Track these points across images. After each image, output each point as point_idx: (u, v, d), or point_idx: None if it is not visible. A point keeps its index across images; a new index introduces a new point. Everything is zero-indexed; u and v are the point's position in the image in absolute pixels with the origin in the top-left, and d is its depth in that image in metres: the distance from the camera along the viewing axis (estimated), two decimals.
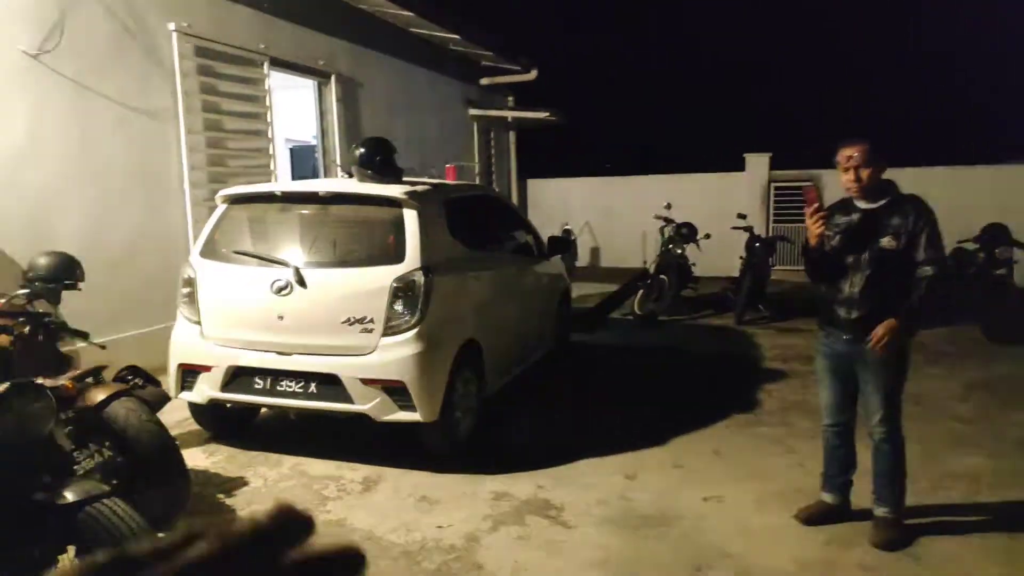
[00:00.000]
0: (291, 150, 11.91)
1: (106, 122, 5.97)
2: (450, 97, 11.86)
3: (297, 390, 4.26)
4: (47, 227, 5.48)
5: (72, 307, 5.37)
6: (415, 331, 4.16)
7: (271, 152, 7.84)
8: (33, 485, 2.29)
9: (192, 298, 4.48)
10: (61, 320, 3.05)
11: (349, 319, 4.17)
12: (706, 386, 6.41)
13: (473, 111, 12.33)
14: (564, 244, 6.58)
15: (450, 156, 11.13)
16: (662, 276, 9.32)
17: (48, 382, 2.58)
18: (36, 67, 5.40)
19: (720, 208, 13.57)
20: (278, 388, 4.29)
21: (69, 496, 2.28)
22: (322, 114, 8.96)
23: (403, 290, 4.18)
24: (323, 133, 8.94)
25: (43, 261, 4.17)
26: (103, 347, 3.57)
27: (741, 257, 10.15)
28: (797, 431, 5.16)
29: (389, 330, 4.16)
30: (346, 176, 5.17)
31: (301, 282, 4.22)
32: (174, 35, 6.56)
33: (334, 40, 8.87)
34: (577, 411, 5.68)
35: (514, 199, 14.17)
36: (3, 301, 3.95)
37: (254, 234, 4.62)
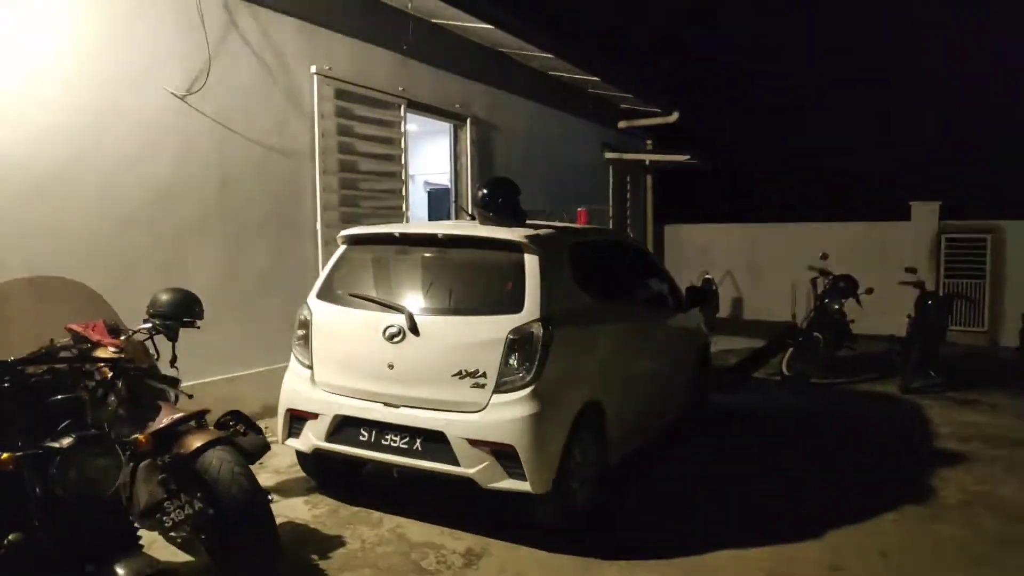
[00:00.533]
0: (429, 192, 12.02)
1: (245, 162, 6.08)
2: (585, 140, 11.56)
3: (402, 446, 3.94)
4: (181, 264, 5.59)
5: (200, 341, 5.41)
6: (530, 389, 3.73)
7: (404, 194, 7.79)
8: (86, 554, 2.07)
9: (305, 341, 4.30)
10: (150, 365, 2.89)
11: (460, 372, 3.81)
12: (868, 466, 5.51)
13: (609, 154, 11.96)
14: (704, 295, 5.96)
15: (584, 200, 10.75)
16: (816, 334, 8.38)
17: (135, 433, 2.37)
18: (184, 109, 5.57)
19: (881, 261, 12.33)
20: (383, 442, 3.98)
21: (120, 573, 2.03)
22: (456, 156, 8.88)
23: (519, 343, 3.78)
24: (456, 175, 8.86)
25: (164, 297, 4.12)
26: (190, 396, 3.40)
27: (909, 316, 9.00)
28: (986, 534, 4.23)
29: (502, 386, 3.76)
30: (469, 218, 4.88)
31: (414, 329, 3.92)
32: (315, 78, 6.66)
33: (471, 83, 8.82)
34: (715, 487, 5.00)
35: (649, 245, 13.57)
36: (123, 338, 3.92)
37: (370, 277, 4.40)
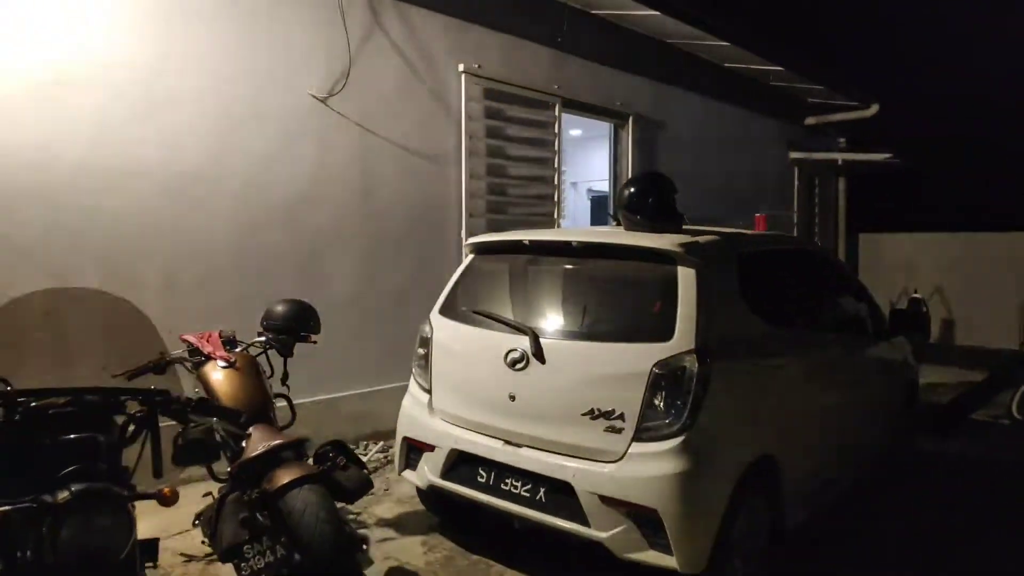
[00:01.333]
0: (592, 199, 11.37)
1: (387, 165, 5.76)
2: (767, 138, 10.33)
3: (523, 494, 3.28)
4: (320, 271, 5.34)
5: (332, 355, 5.13)
6: (680, 439, 2.93)
7: (556, 199, 7.19)
8: None
9: (425, 361, 3.78)
10: (198, 398, 2.47)
11: (593, 411, 3.09)
12: None
13: (795, 154, 10.62)
14: (913, 320, 4.77)
15: (764, 205, 9.58)
16: None
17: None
18: (323, 110, 5.32)
19: None
20: (502, 487, 3.35)
21: None
22: (616, 158, 8.14)
23: (667, 379, 2.99)
24: (616, 180, 8.11)
25: (279, 309, 3.80)
26: (248, 435, 2.96)
27: None
28: None
29: (643, 433, 2.99)
30: (614, 224, 4.14)
31: (539, 355, 3.26)
32: (463, 76, 6.23)
33: (633, 78, 8.04)
34: (921, 567, 3.87)
35: (841, 257, 11.96)
36: (240, 350, 3.62)
37: (497, 291, 3.80)
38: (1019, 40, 14.69)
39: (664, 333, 3.07)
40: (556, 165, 7.16)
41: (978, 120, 14.77)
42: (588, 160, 10.81)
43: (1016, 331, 10.98)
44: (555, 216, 7.18)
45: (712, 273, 3.23)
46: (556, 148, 7.14)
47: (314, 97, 5.26)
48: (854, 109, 10.56)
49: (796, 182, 10.84)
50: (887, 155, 10.04)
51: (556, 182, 7.18)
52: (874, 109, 10.38)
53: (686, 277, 3.15)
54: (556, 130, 7.13)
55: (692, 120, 8.92)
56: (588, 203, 11.37)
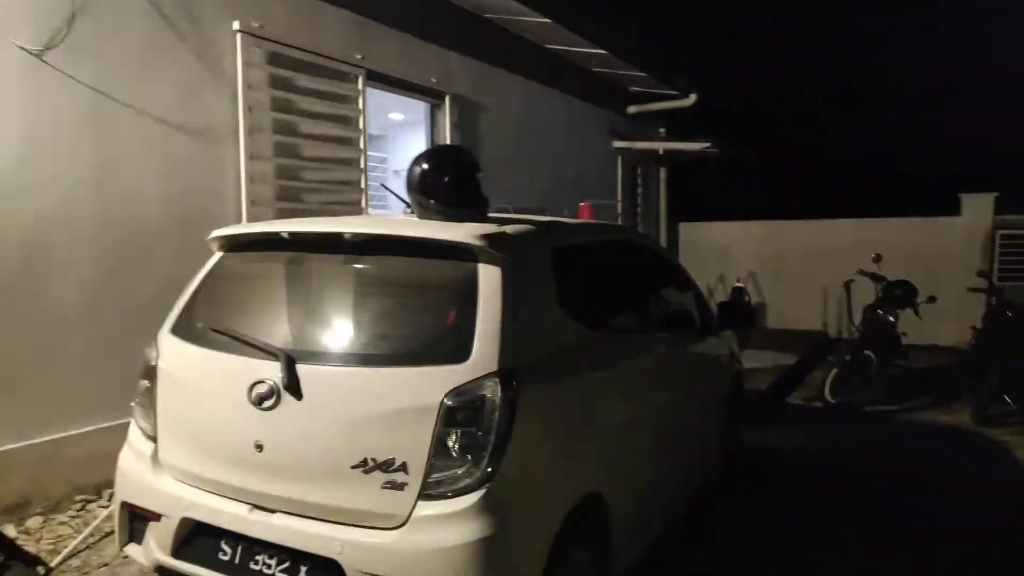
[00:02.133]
0: None
1: (134, 142, 4.56)
2: (592, 126, 9.99)
3: (278, 574, 2.41)
4: (35, 278, 4.09)
5: (55, 382, 3.93)
6: (480, 494, 2.19)
7: (364, 185, 6.27)
8: None
9: (150, 398, 2.77)
10: None
11: (366, 462, 2.27)
12: (990, 557, 3.92)
13: (618, 143, 10.38)
14: (742, 313, 4.42)
15: (590, 194, 9.21)
16: (868, 352, 6.79)
17: None
18: (38, 68, 4.06)
19: (924, 262, 10.70)
20: (251, 566, 2.45)
21: None
22: (433, 142, 7.35)
23: (462, 413, 2.24)
24: None
25: None
26: None
27: (974, 328, 7.40)
28: None
29: (433, 488, 2.22)
30: (409, 212, 3.33)
31: (294, 388, 2.38)
32: (239, 36, 5.14)
33: (451, 54, 7.28)
34: None
35: (662, 242, 12.00)
36: None
37: (248, 301, 2.86)
38: (836, 33, 15.52)
39: (460, 352, 2.31)
40: (362, 146, 6.24)
41: (796, 112, 15.44)
42: (412, 146, 9.93)
43: (819, 314, 11.52)
44: (362, 204, 6.26)
45: (522, 271, 2.52)
46: (361, 127, 6.21)
47: (23, 49, 3.99)
48: (674, 99, 10.50)
49: (620, 171, 10.63)
50: (706, 144, 10.05)
51: (362, 165, 6.26)
52: (693, 99, 10.37)
53: (488, 277, 2.41)
54: (360, 106, 6.21)
55: (517, 105, 8.32)
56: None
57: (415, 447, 2.24)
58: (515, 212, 3.96)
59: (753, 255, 12.15)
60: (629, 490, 2.94)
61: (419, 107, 7.37)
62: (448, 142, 7.22)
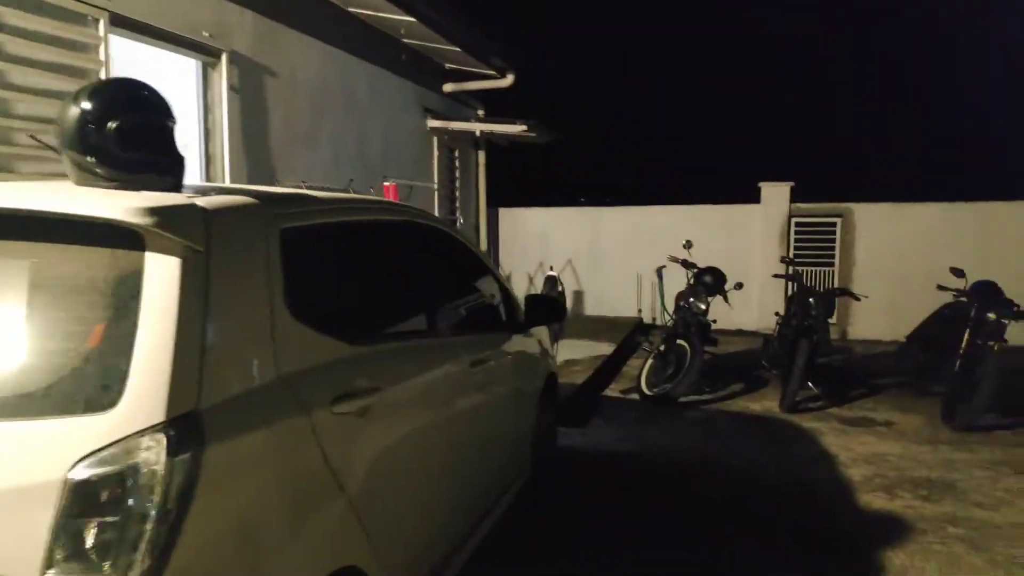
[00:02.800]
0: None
1: None
2: (404, 103, 9.18)
3: None
4: None
5: None
6: None
7: None
8: None
9: None
10: None
11: None
12: (792, 550, 3.65)
13: (433, 122, 9.65)
14: (551, 307, 3.87)
15: (404, 175, 8.42)
16: (681, 341, 6.61)
17: None
18: None
19: (728, 247, 11.03)
20: None
21: None
22: (207, 108, 6.19)
23: (102, 493, 1.40)
24: (207, 134, 6.17)
25: None
26: None
27: (778, 315, 7.53)
28: None
29: None
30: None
31: None
32: None
33: (231, 6, 6.15)
34: None
35: (482, 232, 11.47)
36: None
37: None
38: (655, 21, 15.70)
39: (103, 393, 1.46)
40: None
41: (614, 98, 15.46)
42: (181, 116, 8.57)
43: (634, 300, 11.57)
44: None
45: (223, 264, 1.70)
46: None
47: None
48: (491, 78, 9.94)
49: (436, 153, 9.92)
50: (522, 127, 9.60)
51: None
52: (510, 79, 9.88)
53: (159, 274, 1.58)
54: (103, 56, 4.96)
55: (316, 73, 7.31)
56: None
57: (24, 549, 1.37)
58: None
59: (572, 242, 11.99)
60: (405, 549, 2.24)
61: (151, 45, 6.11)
62: (225, 109, 6.11)
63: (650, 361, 6.67)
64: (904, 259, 10.40)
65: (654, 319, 11.11)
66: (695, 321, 6.75)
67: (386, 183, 6.66)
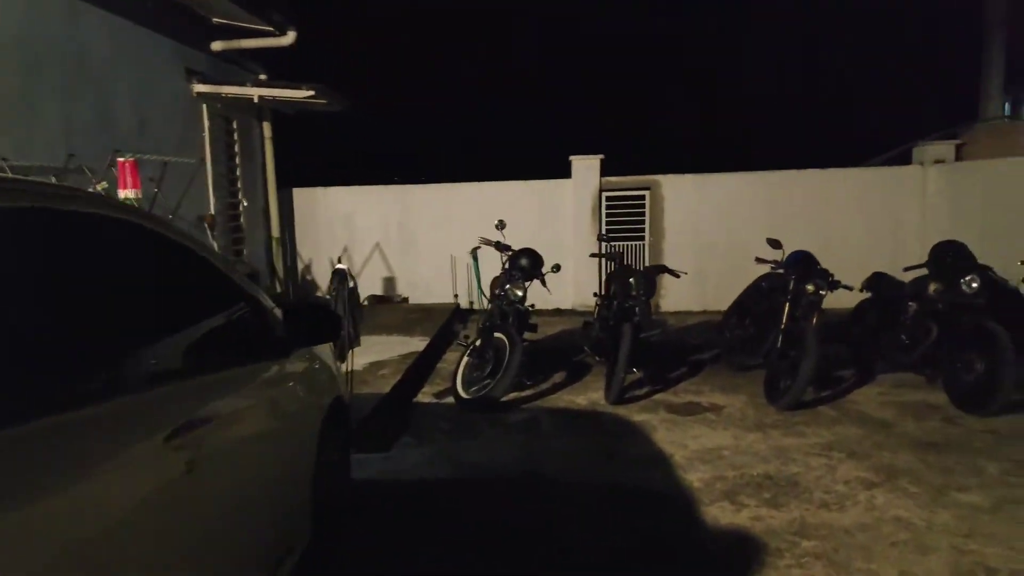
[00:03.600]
0: None
1: None
2: (160, 63, 7.50)
3: None
4: None
5: None
6: None
7: None
8: None
9: None
10: None
11: None
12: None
13: (200, 87, 8.04)
14: (319, 323, 2.82)
15: (165, 150, 6.84)
16: (499, 335, 5.82)
17: None
18: None
19: (542, 224, 10.51)
20: None
21: None
22: None
23: None
24: None
25: None
26: None
27: (597, 295, 6.99)
28: None
29: None
30: None
31: None
32: None
33: None
34: None
35: (273, 216, 10.01)
36: None
37: None
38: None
39: None
40: None
41: (419, 67, 14.15)
42: None
43: (450, 283, 10.73)
44: None
45: None
46: None
47: None
48: (269, 35, 8.49)
49: (207, 123, 8.32)
50: (309, 92, 8.27)
51: None
52: (291, 37, 8.49)
53: None
54: None
55: (27, 18, 5.56)
56: None
57: None
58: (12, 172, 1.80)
59: (380, 223, 10.87)
60: None
61: None
62: None
63: (466, 358, 5.82)
64: (708, 229, 10.45)
65: (472, 303, 10.34)
66: (512, 310, 5.99)
67: (121, 159, 5.15)
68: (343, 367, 4.63)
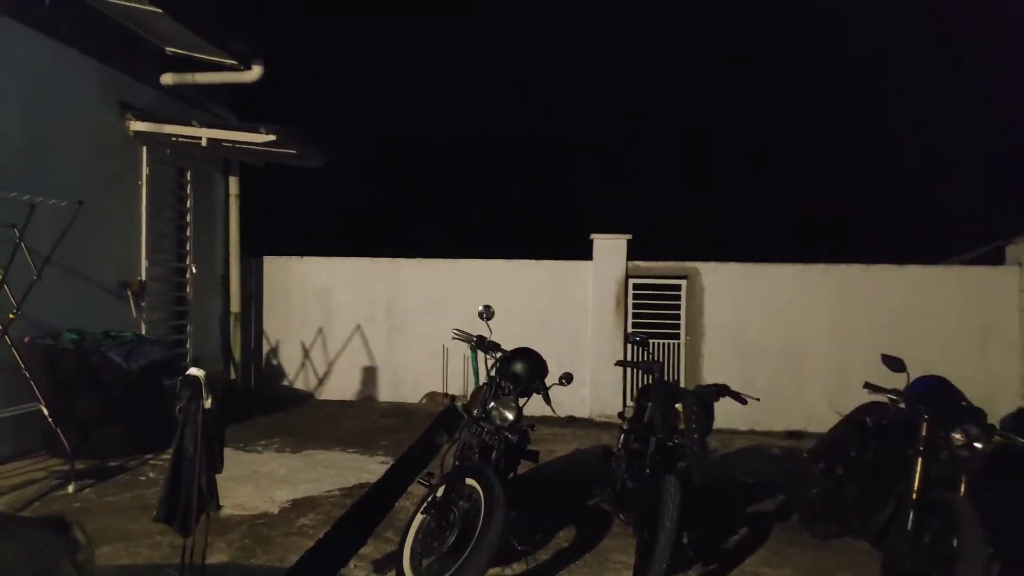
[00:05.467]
0: None
1: None
2: (85, 91, 5.91)
3: None
4: None
5: None
6: None
7: None
8: None
9: None
10: None
11: None
12: None
13: (138, 124, 6.41)
14: None
15: (65, 191, 5.10)
16: (471, 482, 3.74)
17: None
18: None
19: (553, 314, 8.63)
20: None
21: None
22: None
23: None
24: None
25: None
26: None
27: (623, 417, 4.97)
28: None
29: None
30: None
31: None
32: None
33: None
34: None
35: (233, 287, 8.22)
36: None
37: None
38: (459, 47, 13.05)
39: None
40: None
41: (413, 118, 12.42)
42: None
43: (440, 375, 8.75)
44: None
45: None
46: None
47: None
48: (230, 69, 6.91)
49: (145, 168, 6.64)
50: (269, 137, 6.56)
51: None
52: (256, 72, 6.90)
53: None
54: None
55: None
56: None
57: None
58: None
59: (363, 302, 9.02)
60: None
61: None
62: None
63: (420, 517, 3.75)
64: (758, 330, 8.46)
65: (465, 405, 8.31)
66: (497, 441, 3.96)
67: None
68: (187, 543, 2.65)
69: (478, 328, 4.48)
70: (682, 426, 3.89)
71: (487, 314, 4.39)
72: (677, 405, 3.94)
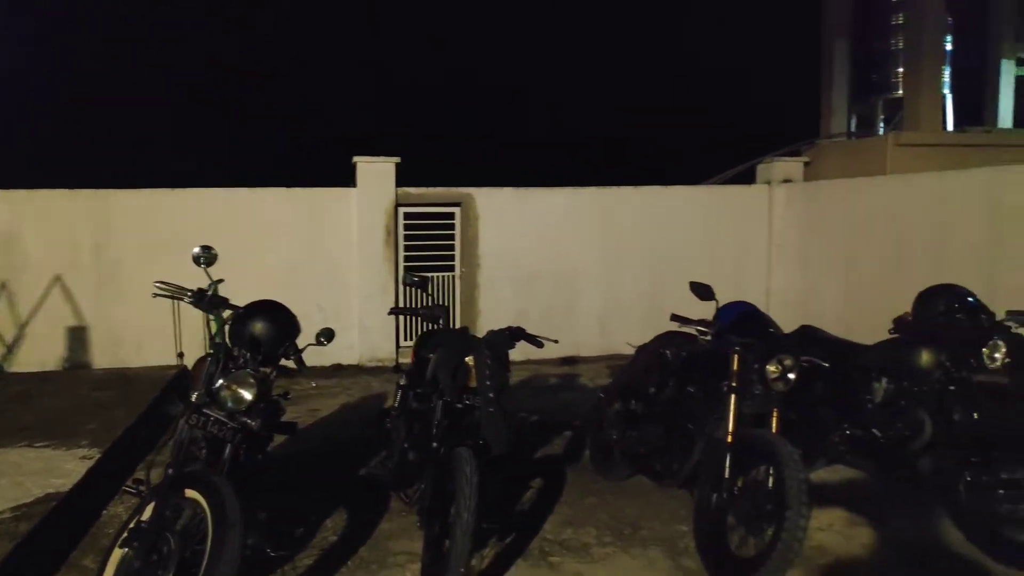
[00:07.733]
0: None
1: None
2: None
3: None
4: None
5: None
6: None
7: None
8: None
9: None
10: None
11: None
12: None
13: None
14: None
15: None
16: (193, 494, 2.65)
17: None
18: None
19: (308, 251, 7.49)
20: None
21: None
22: None
23: None
24: None
25: None
26: None
27: (401, 369, 4.12)
28: None
29: None
30: None
31: None
32: None
33: None
34: None
35: None
36: None
37: None
38: None
39: None
40: None
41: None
42: None
43: (172, 333, 7.17)
44: None
45: None
46: None
47: None
48: None
49: None
50: None
51: None
52: None
53: None
54: None
55: None
56: None
57: None
58: None
59: (63, 246, 7.05)
60: None
61: None
62: None
63: (118, 552, 2.59)
64: (533, 256, 8.04)
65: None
66: (230, 432, 2.88)
67: None
68: None
69: (165, 285, 3.25)
70: (473, 384, 3.13)
71: (206, 258, 3.21)
72: (468, 358, 3.16)
